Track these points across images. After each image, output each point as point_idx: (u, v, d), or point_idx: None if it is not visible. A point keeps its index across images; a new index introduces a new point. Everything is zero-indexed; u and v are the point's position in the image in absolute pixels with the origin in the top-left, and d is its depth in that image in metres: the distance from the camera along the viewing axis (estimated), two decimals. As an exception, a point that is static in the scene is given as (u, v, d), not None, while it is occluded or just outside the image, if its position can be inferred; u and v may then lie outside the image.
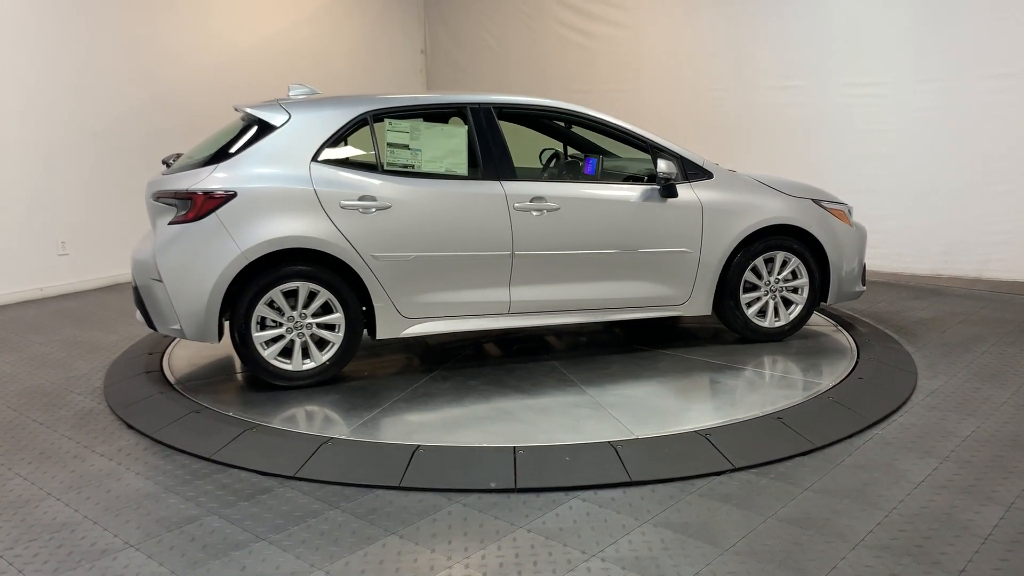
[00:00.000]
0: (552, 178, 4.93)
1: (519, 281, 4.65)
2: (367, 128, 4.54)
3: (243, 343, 4.36)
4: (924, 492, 3.29)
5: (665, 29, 8.35)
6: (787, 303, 5.18)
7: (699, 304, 4.97)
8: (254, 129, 4.49)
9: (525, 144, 5.34)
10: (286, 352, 4.44)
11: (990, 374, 4.69)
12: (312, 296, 4.40)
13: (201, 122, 7.82)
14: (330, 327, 4.47)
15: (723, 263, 4.93)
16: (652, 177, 4.85)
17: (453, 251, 4.51)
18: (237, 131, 4.60)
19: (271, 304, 4.36)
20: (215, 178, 4.33)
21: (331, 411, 4.19)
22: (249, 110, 4.60)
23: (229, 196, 4.29)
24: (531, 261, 4.63)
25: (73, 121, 7.12)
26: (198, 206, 4.28)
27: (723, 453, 3.60)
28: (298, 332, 4.42)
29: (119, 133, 7.44)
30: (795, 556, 2.84)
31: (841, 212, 5.22)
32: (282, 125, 4.46)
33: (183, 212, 4.32)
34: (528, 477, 3.43)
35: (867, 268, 5.89)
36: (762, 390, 4.42)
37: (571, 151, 5.57)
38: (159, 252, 4.33)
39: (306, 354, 4.48)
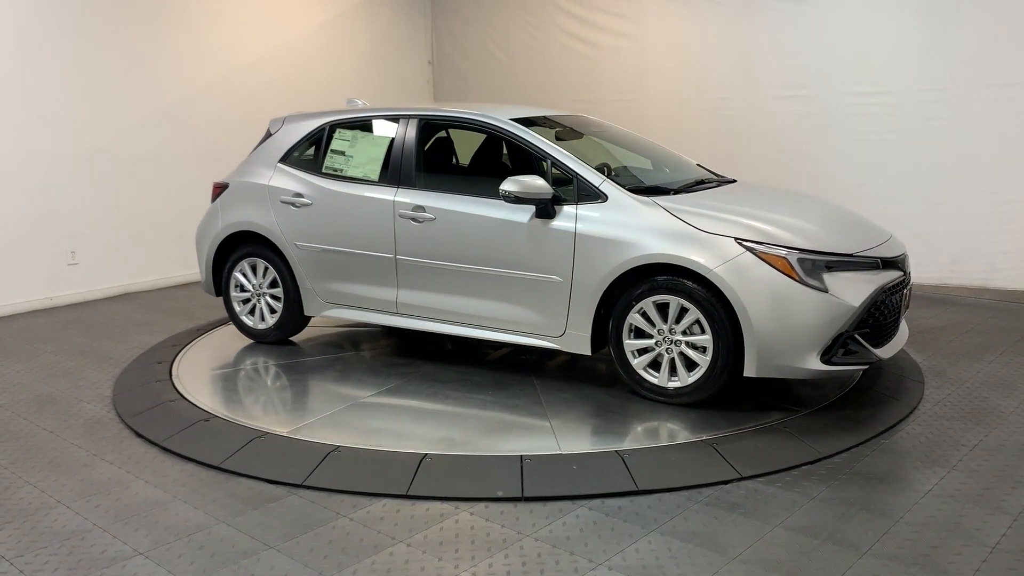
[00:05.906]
0: (437, 188, 4.78)
1: (404, 284, 4.90)
2: (328, 136, 5.26)
3: (225, 299, 5.60)
4: (931, 501, 3.29)
5: (669, 38, 8.38)
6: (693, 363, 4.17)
7: (578, 342, 4.39)
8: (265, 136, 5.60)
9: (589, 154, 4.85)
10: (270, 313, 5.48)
11: (997, 383, 4.68)
12: (267, 271, 5.41)
13: (209, 133, 7.93)
14: (279, 298, 5.38)
15: (597, 300, 4.28)
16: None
17: (351, 248, 5.02)
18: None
19: (244, 274, 5.48)
20: (230, 173, 5.61)
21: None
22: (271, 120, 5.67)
23: (223, 187, 5.56)
24: (411, 267, 4.84)
25: (83, 131, 7.17)
26: (214, 192, 5.63)
27: (730, 462, 3.60)
28: (257, 298, 5.48)
29: (129, 143, 7.49)
30: (802, 565, 2.84)
31: (781, 260, 3.92)
32: (275, 133, 5.50)
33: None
34: (535, 486, 3.44)
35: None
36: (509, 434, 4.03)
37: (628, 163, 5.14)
38: (200, 223, 5.70)
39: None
